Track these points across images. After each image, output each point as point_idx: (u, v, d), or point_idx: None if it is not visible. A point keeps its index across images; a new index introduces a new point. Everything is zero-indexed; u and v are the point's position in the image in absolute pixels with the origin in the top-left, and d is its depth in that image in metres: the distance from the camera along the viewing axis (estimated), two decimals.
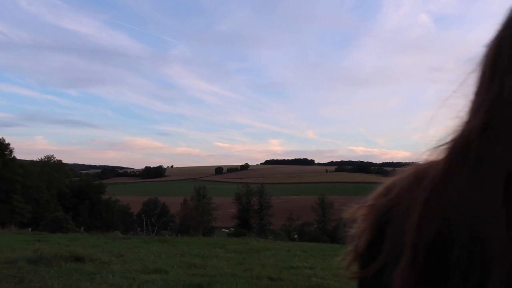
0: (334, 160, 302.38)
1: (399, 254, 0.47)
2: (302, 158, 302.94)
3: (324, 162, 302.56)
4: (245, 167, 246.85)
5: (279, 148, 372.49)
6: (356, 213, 0.57)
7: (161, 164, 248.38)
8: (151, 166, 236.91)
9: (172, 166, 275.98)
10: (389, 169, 0.67)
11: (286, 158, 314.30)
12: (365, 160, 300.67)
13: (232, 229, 47.82)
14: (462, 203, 0.44)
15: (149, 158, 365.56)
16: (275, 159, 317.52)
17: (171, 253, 10.07)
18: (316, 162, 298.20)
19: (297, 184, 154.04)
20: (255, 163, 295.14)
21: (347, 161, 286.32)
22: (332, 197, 59.04)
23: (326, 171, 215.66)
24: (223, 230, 48.35)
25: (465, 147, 0.47)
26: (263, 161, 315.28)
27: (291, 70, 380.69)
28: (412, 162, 0.56)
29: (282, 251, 11.34)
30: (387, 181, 0.56)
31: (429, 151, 0.53)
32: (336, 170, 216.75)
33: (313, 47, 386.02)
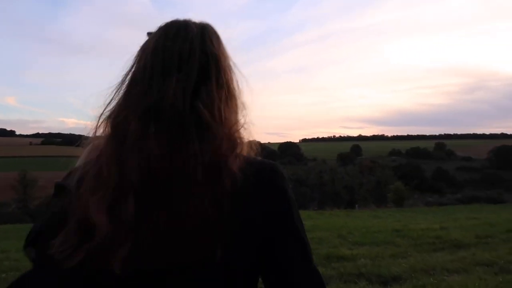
0: (40, 132, 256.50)
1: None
2: None
3: (28, 133, 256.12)
4: None
5: None
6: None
7: None
8: None
9: None
10: None
11: None
12: (77, 133, 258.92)
13: None
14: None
15: None
16: None
17: None
18: (17, 133, 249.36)
19: None
20: None
21: (56, 133, 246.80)
22: (37, 173, 55.37)
23: (30, 143, 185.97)
24: None
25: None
26: None
27: None
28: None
29: None
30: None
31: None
32: (43, 143, 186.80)
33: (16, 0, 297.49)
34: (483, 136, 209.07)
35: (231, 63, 0.82)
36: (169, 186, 0.68)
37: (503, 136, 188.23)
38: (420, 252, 6.11)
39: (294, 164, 63.09)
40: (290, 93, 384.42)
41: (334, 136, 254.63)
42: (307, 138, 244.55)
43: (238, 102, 0.79)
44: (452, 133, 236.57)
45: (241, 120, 0.79)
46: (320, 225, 9.16)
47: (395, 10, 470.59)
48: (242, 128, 0.77)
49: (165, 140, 0.69)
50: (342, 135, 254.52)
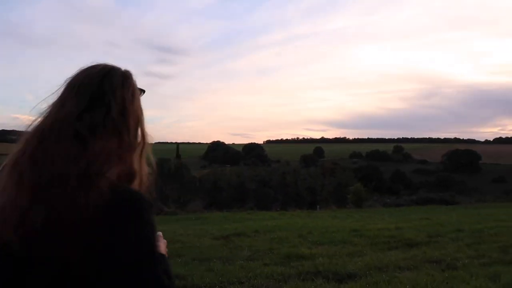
0: None
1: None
2: None
3: None
4: None
5: None
6: None
7: None
8: None
9: None
10: None
11: None
12: None
13: None
14: None
15: None
16: None
17: None
18: None
19: None
20: None
21: (10, 130, 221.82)
22: None
23: None
24: None
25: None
26: None
27: None
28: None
29: None
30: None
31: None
32: None
33: None
34: (437, 140, 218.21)
35: (134, 106, 0.94)
36: (50, 184, 0.79)
37: (456, 140, 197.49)
38: (375, 251, 6.37)
39: (258, 165, 63.38)
40: (256, 94, 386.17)
41: (297, 138, 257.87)
42: (271, 139, 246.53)
43: (125, 137, 0.90)
44: (409, 136, 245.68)
45: (120, 150, 0.88)
46: (281, 226, 9.33)
47: (357, 16, 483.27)
48: (116, 157, 0.86)
49: (50, 148, 0.82)
50: (305, 137, 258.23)
